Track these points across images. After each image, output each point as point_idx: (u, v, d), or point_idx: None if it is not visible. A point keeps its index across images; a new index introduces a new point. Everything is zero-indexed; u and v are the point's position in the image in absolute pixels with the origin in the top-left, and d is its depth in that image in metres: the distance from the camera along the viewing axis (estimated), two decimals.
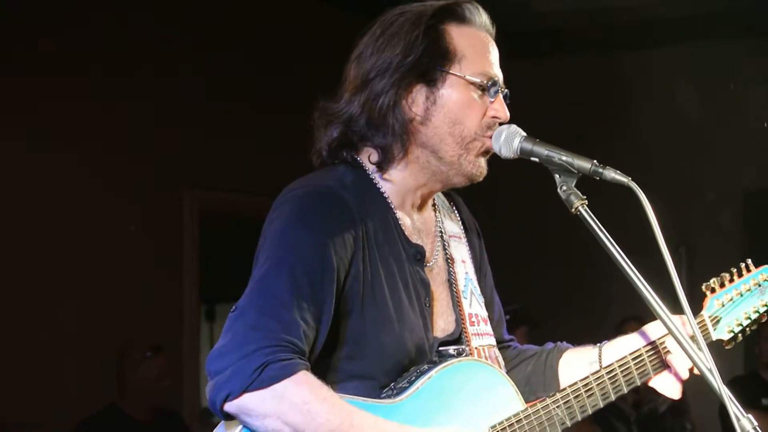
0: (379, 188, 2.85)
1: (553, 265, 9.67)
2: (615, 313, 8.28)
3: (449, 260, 2.97)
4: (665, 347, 2.97)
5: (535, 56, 9.78)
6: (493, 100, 2.85)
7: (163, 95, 7.67)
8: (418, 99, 2.81)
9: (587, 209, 2.65)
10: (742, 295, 3.09)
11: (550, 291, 9.47)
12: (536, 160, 2.77)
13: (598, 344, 3.08)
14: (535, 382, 3.10)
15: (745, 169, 9.34)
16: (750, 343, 8.59)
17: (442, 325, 2.89)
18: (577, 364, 3.06)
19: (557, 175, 2.72)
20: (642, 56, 9.70)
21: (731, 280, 3.10)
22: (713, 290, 3.07)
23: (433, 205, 3.01)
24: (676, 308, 2.61)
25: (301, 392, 2.53)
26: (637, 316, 7.14)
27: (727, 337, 3.07)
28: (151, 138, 7.55)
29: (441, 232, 2.99)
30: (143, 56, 7.59)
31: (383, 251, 2.78)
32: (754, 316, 3.09)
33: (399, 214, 2.87)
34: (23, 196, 6.95)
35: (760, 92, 9.11)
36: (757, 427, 2.45)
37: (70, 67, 7.19)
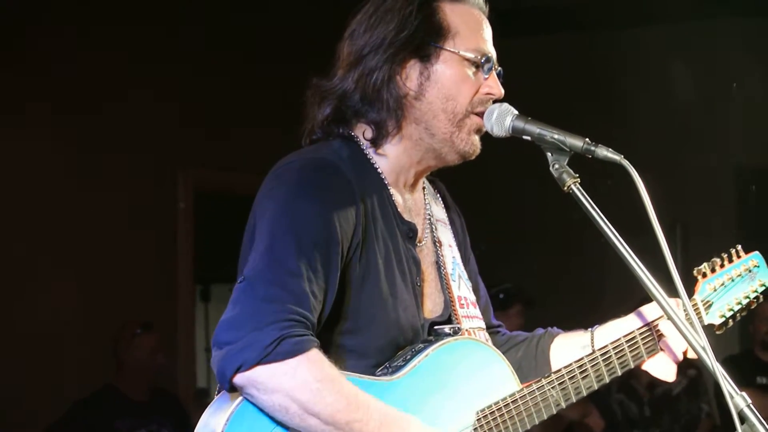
0: (373, 164, 2.85)
1: (548, 244, 9.68)
2: (611, 291, 8.28)
3: (437, 243, 2.97)
4: (659, 330, 2.97)
5: (527, 34, 9.76)
6: (487, 76, 2.85)
7: (161, 77, 7.66)
8: (412, 74, 2.81)
9: (579, 187, 2.64)
10: (733, 281, 3.12)
11: (545, 270, 9.48)
12: (528, 138, 2.76)
13: (590, 329, 3.08)
14: (526, 367, 3.10)
15: (739, 146, 9.35)
16: (745, 322, 8.62)
17: (431, 306, 2.89)
18: (569, 349, 3.06)
19: (549, 154, 2.71)
20: (636, 34, 9.69)
21: (722, 266, 3.13)
22: (704, 275, 3.09)
23: (423, 188, 3.01)
24: (670, 287, 2.61)
25: (313, 370, 2.50)
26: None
27: (718, 321, 3.08)
28: (147, 118, 7.54)
29: (429, 215, 2.99)
30: (143, 39, 7.57)
31: (379, 226, 2.77)
32: (744, 302, 3.12)
33: (392, 190, 2.86)
34: (21, 179, 6.96)
35: (757, 69, 9.11)
36: (751, 405, 2.45)
37: (65, 51, 7.20)
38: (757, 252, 3.21)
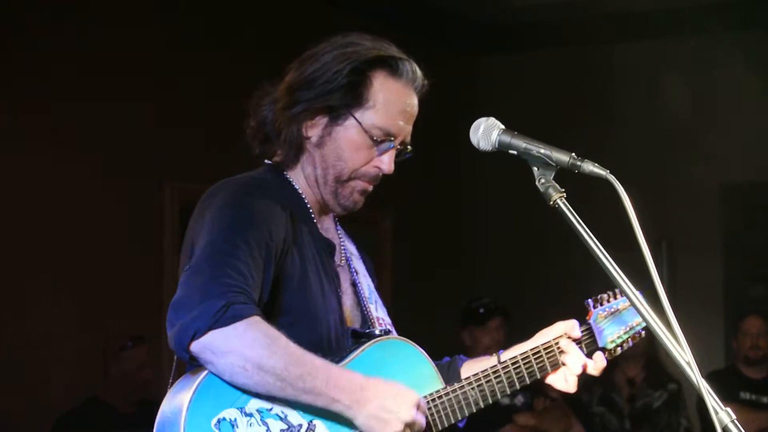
0: (293, 184, 3.06)
1: (531, 258, 9.70)
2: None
3: (354, 270, 3.16)
4: (560, 347, 3.25)
5: (515, 51, 9.81)
6: (380, 154, 3.01)
7: (149, 91, 7.66)
8: (318, 124, 3.01)
9: (565, 202, 2.67)
10: (620, 312, 3.39)
11: (528, 283, 9.50)
12: (514, 152, 2.79)
13: (495, 353, 3.27)
14: None
15: (725, 162, 9.37)
16: (726, 338, 8.66)
17: (349, 318, 3.06)
18: (480, 369, 3.19)
19: (535, 168, 2.75)
20: (623, 50, 9.74)
21: (609, 300, 3.40)
22: (596, 304, 3.38)
23: (335, 219, 3.20)
24: (656, 303, 2.62)
25: (261, 328, 2.67)
26: None
27: (610, 347, 3.35)
28: (132, 130, 7.53)
29: (343, 244, 3.18)
30: (133, 53, 7.57)
31: (305, 237, 2.97)
32: (630, 333, 3.40)
33: (311, 209, 3.06)
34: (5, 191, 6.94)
35: (742, 85, 9.16)
36: (735, 421, 2.46)
37: (61, 63, 7.19)
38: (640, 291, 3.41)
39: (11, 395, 6.81)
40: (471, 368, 3.24)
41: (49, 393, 6.97)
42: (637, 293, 2.65)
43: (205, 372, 2.69)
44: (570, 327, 3.26)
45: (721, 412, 2.47)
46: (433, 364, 3.08)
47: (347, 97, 2.97)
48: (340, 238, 3.17)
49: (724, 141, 9.29)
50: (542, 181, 2.72)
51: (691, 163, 9.42)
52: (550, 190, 2.69)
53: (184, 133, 7.80)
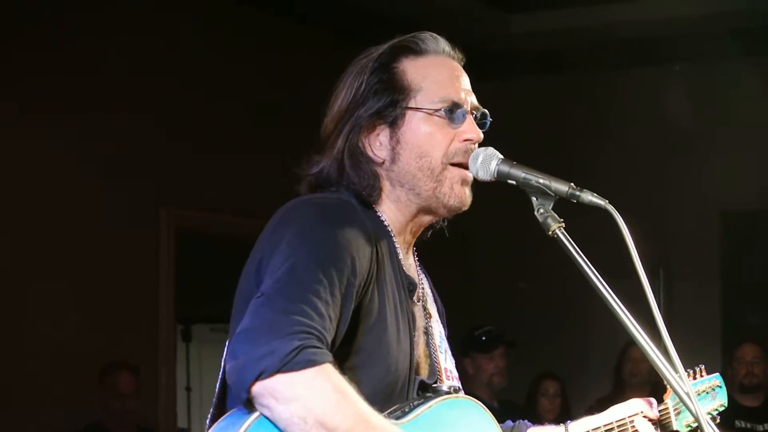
0: (380, 216, 2.84)
1: (534, 287, 9.69)
2: (596, 335, 8.28)
3: (427, 313, 2.96)
4: (634, 426, 3.11)
5: (513, 77, 9.82)
6: (459, 124, 2.83)
7: (145, 116, 7.66)
8: (383, 141, 2.80)
9: (564, 232, 2.64)
10: (699, 395, 3.31)
11: (531, 313, 9.48)
12: (513, 182, 2.75)
13: (563, 423, 3.12)
14: None
15: (722, 190, 9.39)
16: (724, 365, 8.64)
17: (419, 367, 2.87)
18: None
19: (534, 198, 2.70)
20: (619, 77, 9.77)
21: (690, 379, 3.29)
22: None
23: (415, 257, 2.98)
24: (654, 331, 2.61)
25: (331, 381, 2.46)
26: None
27: (684, 430, 3.23)
28: (129, 157, 7.54)
29: (422, 283, 2.97)
30: (131, 74, 7.59)
31: (388, 272, 2.76)
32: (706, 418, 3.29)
33: (397, 242, 2.85)
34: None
35: (742, 112, 9.18)
36: None
37: (54, 80, 7.20)
38: (718, 373, 3.44)
39: (8, 409, 6.81)
40: None
41: (42, 421, 6.97)
42: (635, 322, 2.60)
43: (257, 414, 2.47)
44: (647, 406, 3.13)
45: None
46: (500, 429, 2.88)
47: (389, 95, 2.79)
48: (419, 277, 2.95)
49: (723, 168, 9.30)
50: (541, 211, 2.67)
51: (691, 190, 9.44)
52: (549, 220, 2.65)
53: (184, 160, 7.81)
